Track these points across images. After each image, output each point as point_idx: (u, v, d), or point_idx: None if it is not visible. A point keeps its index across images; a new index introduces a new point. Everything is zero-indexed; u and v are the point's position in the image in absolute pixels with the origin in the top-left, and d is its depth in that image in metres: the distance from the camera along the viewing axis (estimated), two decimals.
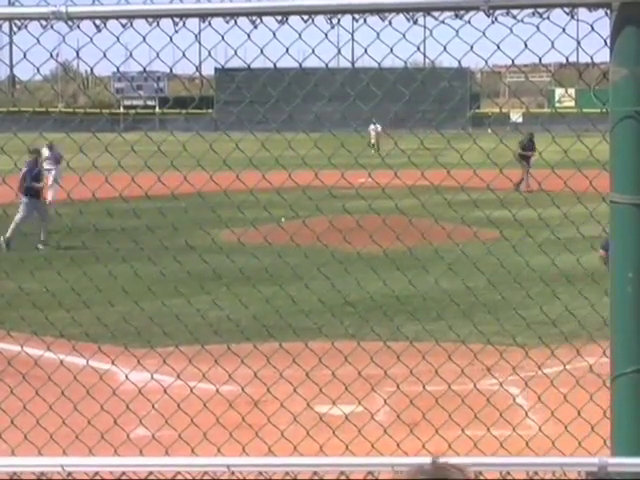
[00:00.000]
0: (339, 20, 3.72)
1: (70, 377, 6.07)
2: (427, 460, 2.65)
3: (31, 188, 21.37)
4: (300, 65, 4.27)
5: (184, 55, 3.98)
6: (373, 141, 50.54)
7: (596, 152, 4.36)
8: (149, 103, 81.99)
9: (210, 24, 3.82)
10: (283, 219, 15.15)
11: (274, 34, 3.80)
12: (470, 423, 6.68)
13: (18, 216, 21.33)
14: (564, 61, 4.05)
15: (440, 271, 10.31)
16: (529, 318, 9.64)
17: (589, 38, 3.77)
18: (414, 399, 6.16)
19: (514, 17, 3.61)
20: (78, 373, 6.34)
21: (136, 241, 8.83)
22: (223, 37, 4.02)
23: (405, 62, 4.75)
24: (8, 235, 21.07)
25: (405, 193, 6.50)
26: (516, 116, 66.46)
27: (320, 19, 3.70)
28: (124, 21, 3.73)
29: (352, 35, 42.91)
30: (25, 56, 4.09)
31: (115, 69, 4.73)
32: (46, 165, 28.18)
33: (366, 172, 6.43)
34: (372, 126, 52.45)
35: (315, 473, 3.84)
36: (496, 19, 3.60)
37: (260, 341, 8.90)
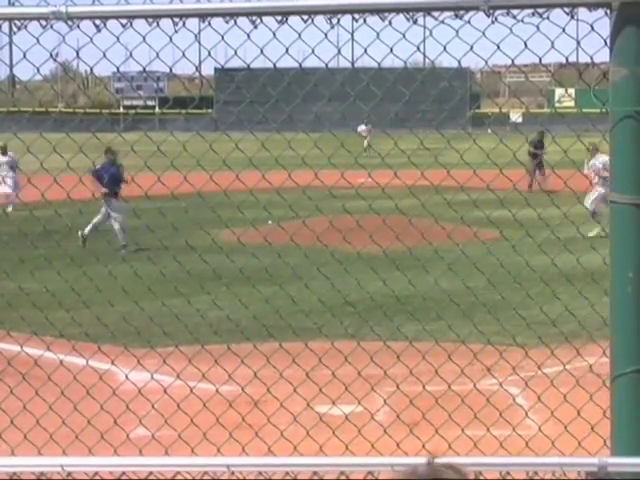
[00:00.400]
0: (339, 20, 3.73)
1: (70, 377, 6.07)
2: (423, 460, 2.61)
3: (109, 190, 20.82)
4: (300, 65, 4.27)
5: (184, 55, 3.99)
6: (365, 144, 44.85)
7: None
8: (149, 103, 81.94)
9: (210, 24, 3.82)
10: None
11: (274, 34, 3.80)
12: (470, 423, 6.68)
13: (118, 222, 20.89)
14: (564, 61, 4.06)
15: (440, 271, 10.32)
16: (529, 318, 9.64)
17: (589, 38, 3.78)
18: (414, 399, 6.16)
19: (514, 17, 3.62)
20: (78, 373, 6.34)
21: (136, 241, 8.82)
22: (223, 37, 4.02)
23: (405, 62, 4.75)
24: (123, 242, 20.71)
25: (405, 193, 6.50)
26: (516, 116, 66.39)
27: (320, 19, 3.70)
28: (124, 21, 3.73)
29: (352, 35, 42.89)
30: (25, 56, 4.09)
31: (115, 69, 4.73)
32: (0, 171, 27.68)
33: (366, 172, 6.43)
34: (362, 127, 48.12)
35: (315, 473, 3.84)
36: (496, 19, 3.61)
37: (260, 341, 8.90)
